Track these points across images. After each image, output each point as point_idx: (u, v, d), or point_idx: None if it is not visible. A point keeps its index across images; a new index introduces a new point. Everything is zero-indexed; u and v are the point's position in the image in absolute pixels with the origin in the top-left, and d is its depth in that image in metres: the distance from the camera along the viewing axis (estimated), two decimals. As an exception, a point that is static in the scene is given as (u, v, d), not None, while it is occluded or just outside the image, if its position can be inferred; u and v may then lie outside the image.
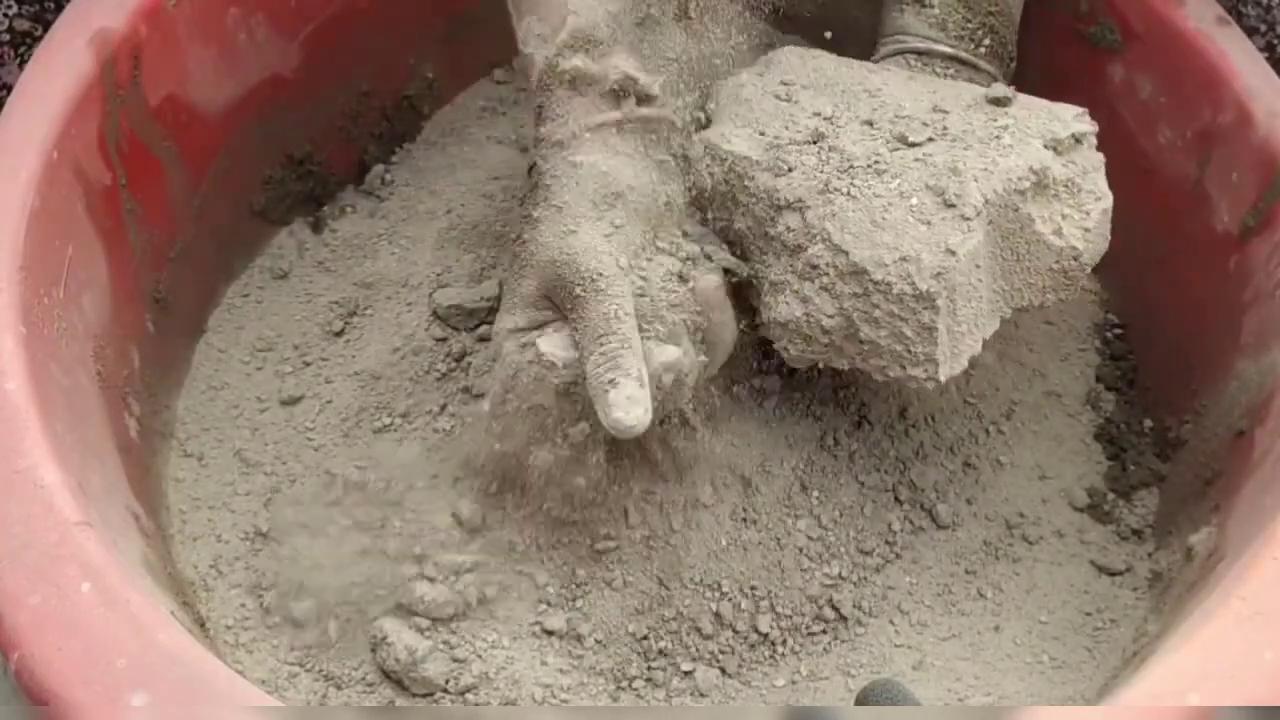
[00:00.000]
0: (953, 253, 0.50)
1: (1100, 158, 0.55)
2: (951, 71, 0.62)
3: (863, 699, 0.48)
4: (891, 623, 0.58)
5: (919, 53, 0.62)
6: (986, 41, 0.62)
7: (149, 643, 0.41)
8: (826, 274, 0.52)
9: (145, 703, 0.40)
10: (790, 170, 0.54)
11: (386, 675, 0.54)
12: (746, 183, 0.54)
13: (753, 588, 0.56)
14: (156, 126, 0.60)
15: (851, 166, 0.53)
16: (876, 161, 0.53)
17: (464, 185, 0.69)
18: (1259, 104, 0.60)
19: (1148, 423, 0.65)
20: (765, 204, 0.54)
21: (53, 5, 0.65)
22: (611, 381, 0.49)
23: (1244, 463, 0.56)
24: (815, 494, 0.58)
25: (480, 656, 0.54)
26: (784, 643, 0.56)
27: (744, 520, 0.57)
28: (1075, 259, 0.54)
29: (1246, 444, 0.56)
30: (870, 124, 0.55)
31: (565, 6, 0.54)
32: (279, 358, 0.65)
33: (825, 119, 0.56)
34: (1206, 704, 0.41)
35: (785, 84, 0.58)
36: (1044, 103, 0.57)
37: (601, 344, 0.50)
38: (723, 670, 0.56)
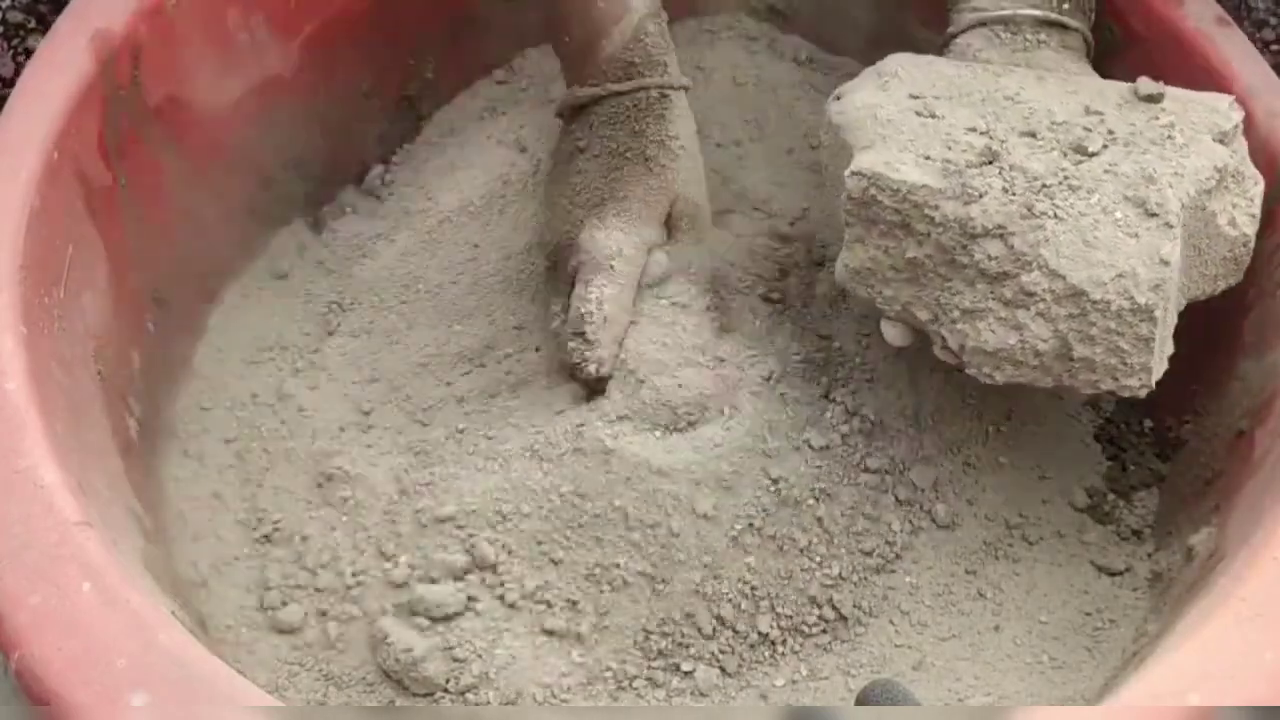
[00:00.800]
0: (1166, 263, 0.50)
1: (1244, 144, 0.56)
2: (1042, 36, 0.60)
3: (863, 699, 0.48)
4: (891, 623, 0.58)
5: (1004, 21, 0.60)
6: None
7: (149, 643, 0.41)
8: (1043, 300, 0.51)
9: (145, 703, 0.40)
10: (981, 196, 0.52)
11: (387, 675, 0.54)
12: (928, 211, 0.53)
13: (753, 589, 0.56)
14: (156, 126, 0.60)
15: (1045, 186, 0.52)
16: (1067, 178, 0.53)
17: (463, 185, 0.69)
18: (1259, 104, 0.60)
19: (1148, 423, 0.65)
20: (955, 232, 0.53)
21: (47, -2, 0.65)
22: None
23: (1244, 463, 0.56)
24: (816, 495, 0.58)
25: (480, 656, 0.54)
26: (784, 642, 0.56)
27: (746, 523, 0.57)
28: (1245, 245, 0.55)
29: (1246, 444, 0.56)
30: (1033, 135, 0.54)
31: None
32: (279, 358, 0.65)
33: (984, 134, 0.54)
34: (1206, 704, 0.41)
35: (917, 97, 0.56)
36: (1193, 94, 0.56)
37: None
38: (723, 670, 0.56)
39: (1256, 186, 0.55)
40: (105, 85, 0.56)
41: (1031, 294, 0.52)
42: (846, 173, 0.54)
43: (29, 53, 0.62)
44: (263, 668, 0.55)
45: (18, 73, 0.59)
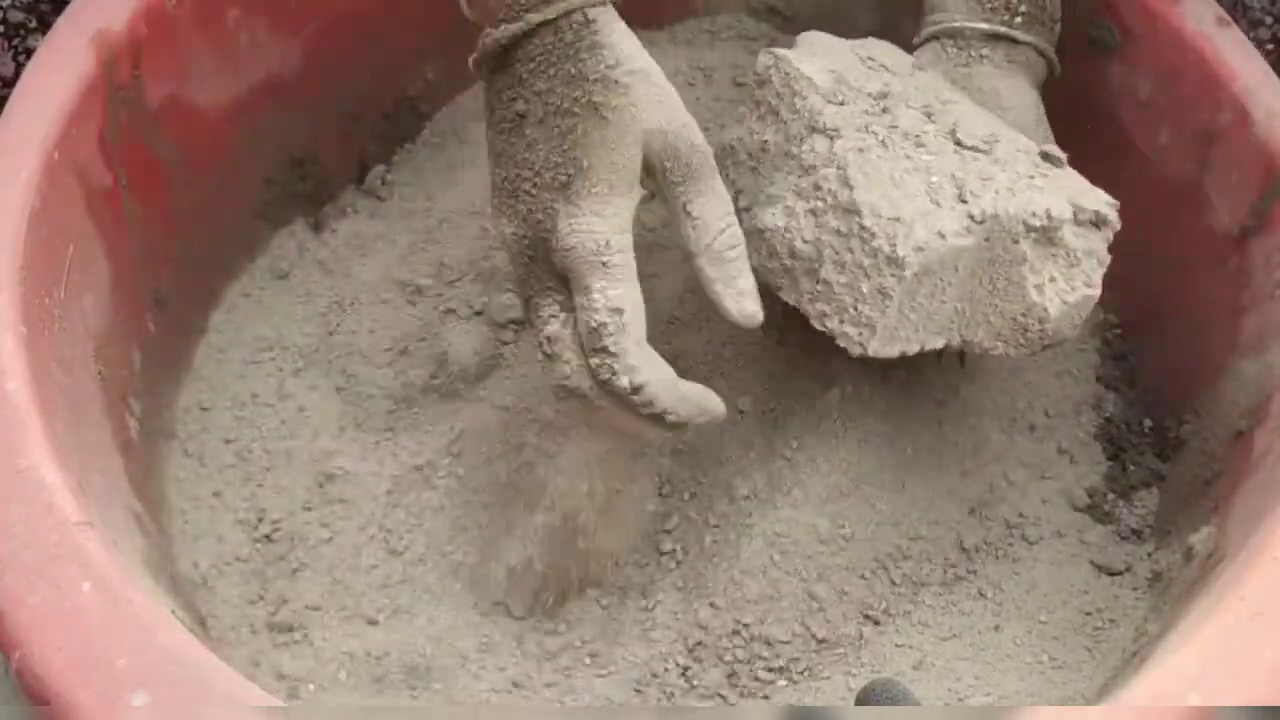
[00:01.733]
0: (942, 237, 0.50)
1: (1106, 256, 0.55)
2: (985, 51, 0.60)
3: (863, 699, 0.48)
4: (893, 622, 0.58)
5: (953, 35, 0.61)
6: (1023, 8, 0.60)
7: (150, 643, 0.41)
8: (824, 200, 0.52)
9: (146, 703, 0.40)
10: (843, 104, 0.54)
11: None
12: (796, 100, 0.54)
13: (768, 598, 0.56)
14: (156, 126, 0.60)
15: (899, 130, 0.53)
16: (919, 136, 0.53)
17: (463, 185, 0.69)
18: (1258, 104, 0.60)
19: (1148, 423, 0.65)
20: (803, 122, 0.54)
21: (47, -2, 0.65)
22: (743, 272, 0.50)
23: (1244, 463, 0.56)
24: (817, 500, 0.58)
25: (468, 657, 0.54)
26: (787, 644, 0.56)
27: (753, 533, 0.57)
28: (1041, 321, 0.53)
29: (1246, 444, 0.56)
30: (929, 116, 0.55)
31: None
32: (279, 357, 0.65)
33: (893, 93, 0.56)
34: (1206, 704, 0.41)
35: (872, 58, 0.58)
36: (1085, 182, 0.56)
37: (728, 222, 0.50)
38: (725, 672, 0.56)
39: (1086, 289, 0.53)
40: (105, 85, 0.56)
41: (819, 189, 0.52)
42: (761, 51, 0.56)
43: (29, 53, 0.62)
44: (263, 667, 0.55)
45: (18, 73, 0.58)
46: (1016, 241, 0.52)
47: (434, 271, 0.65)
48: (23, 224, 0.50)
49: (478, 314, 0.64)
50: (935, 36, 0.61)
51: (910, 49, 0.61)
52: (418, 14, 0.70)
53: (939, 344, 0.53)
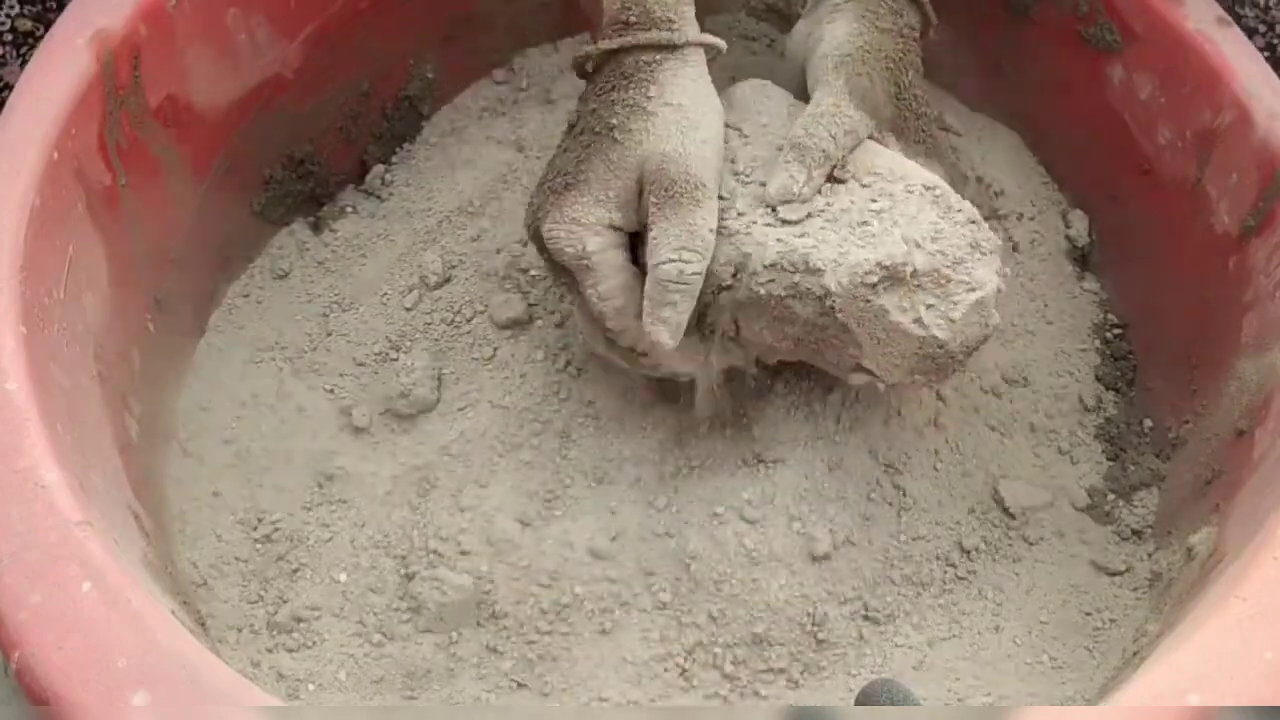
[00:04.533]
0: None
1: (988, 238, 0.54)
2: (885, 8, 0.58)
3: (863, 699, 0.48)
4: (893, 622, 0.58)
5: None
6: None
7: (150, 642, 0.41)
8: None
9: (146, 702, 0.40)
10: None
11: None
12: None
13: (764, 605, 0.56)
14: (156, 126, 0.60)
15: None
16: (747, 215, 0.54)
17: (463, 185, 0.69)
18: (1258, 104, 0.60)
19: (1148, 423, 0.65)
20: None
21: (55, 5, 0.65)
22: (670, 303, 0.52)
23: (1244, 463, 0.56)
24: (818, 505, 0.58)
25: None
26: (787, 644, 0.56)
27: (754, 546, 0.57)
28: (940, 348, 0.53)
29: (1246, 444, 0.56)
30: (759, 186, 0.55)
31: None
32: (279, 357, 0.65)
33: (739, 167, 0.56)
34: (1206, 704, 0.41)
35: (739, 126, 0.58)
36: (917, 175, 0.55)
37: (680, 256, 0.52)
38: (724, 673, 0.56)
39: (970, 294, 0.52)
40: (105, 85, 0.56)
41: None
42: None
43: (37, 60, 0.62)
44: (263, 667, 0.55)
45: (27, 80, 0.58)
46: (868, 300, 0.52)
47: (434, 271, 0.65)
48: (23, 223, 0.50)
49: (478, 314, 0.64)
50: None
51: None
52: (418, 14, 0.70)
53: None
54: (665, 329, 0.52)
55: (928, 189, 0.54)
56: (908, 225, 0.53)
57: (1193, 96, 0.63)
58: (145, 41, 0.58)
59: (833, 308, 0.52)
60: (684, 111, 0.53)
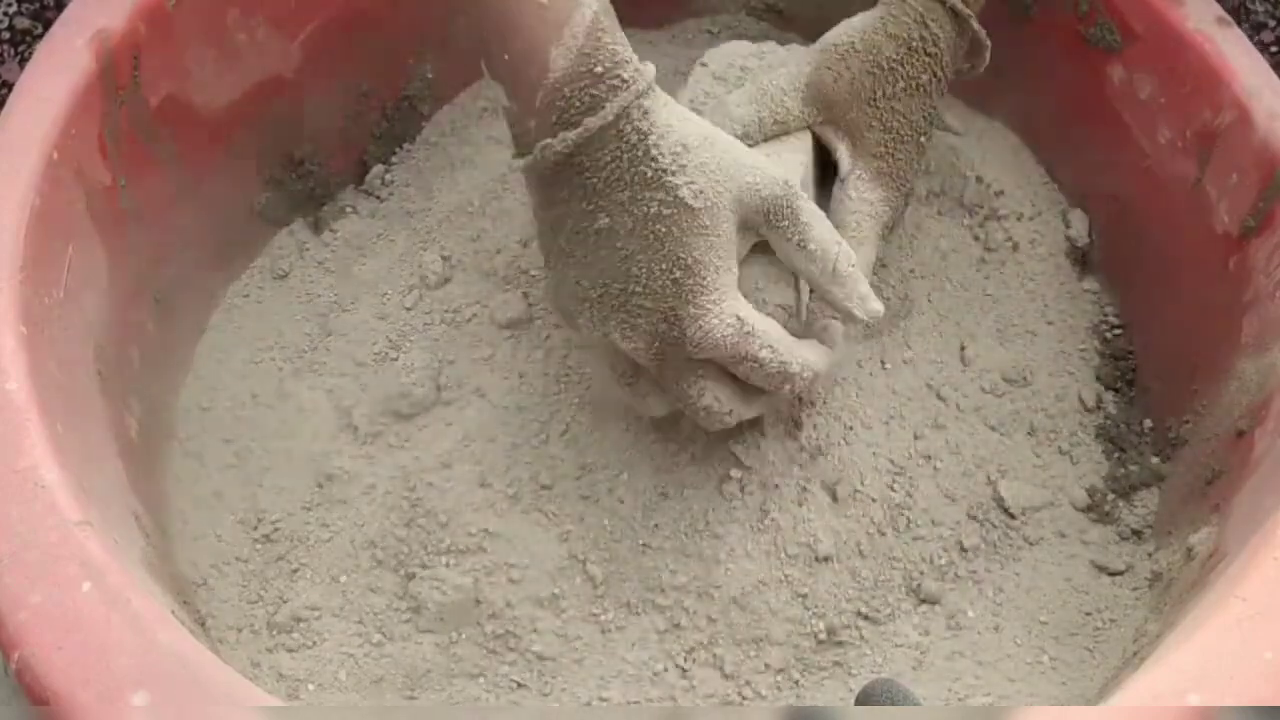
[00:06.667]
0: None
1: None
2: (911, 18, 0.58)
3: (863, 699, 0.48)
4: (893, 622, 0.58)
5: None
6: None
7: (150, 642, 0.41)
8: None
9: (146, 703, 0.40)
10: None
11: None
12: None
13: (764, 605, 0.56)
14: (156, 126, 0.60)
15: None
16: None
17: (463, 185, 0.69)
18: (1259, 104, 0.60)
19: (1148, 423, 0.65)
20: None
21: (53, 3, 0.65)
22: (859, 280, 0.52)
23: (1244, 463, 0.56)
24: (819, 507, 0.58)
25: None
26: (783, 644, 0.56)
27: (755, 545, 0.57)
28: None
29: (1246, 444, 0.56)
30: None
31: None
32: (279, 357, 0.65)
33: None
34: (1206, 704, 0.41)
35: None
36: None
37: (837, 239, 0.51)
38: (724, 673, 0.56)
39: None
40: (105, 85, 0.56)
41: None
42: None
43: (35, 58, 0.62)
44: (263, 667, 0.55)
45: (24, 79, 0.58)
46: None
47: (434, 271, 0.65)
48: (23, 223, 0.50)
49: (478, 314, 0.64)
50: None
51: None
52: (417, 14, 0.70)
53: None
54: (873, 300, 0.52)
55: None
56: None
57: (1193, 96, 0.63)
58: (145, 41, 0.58)
59: None
60: (718, 145, 0.50)
